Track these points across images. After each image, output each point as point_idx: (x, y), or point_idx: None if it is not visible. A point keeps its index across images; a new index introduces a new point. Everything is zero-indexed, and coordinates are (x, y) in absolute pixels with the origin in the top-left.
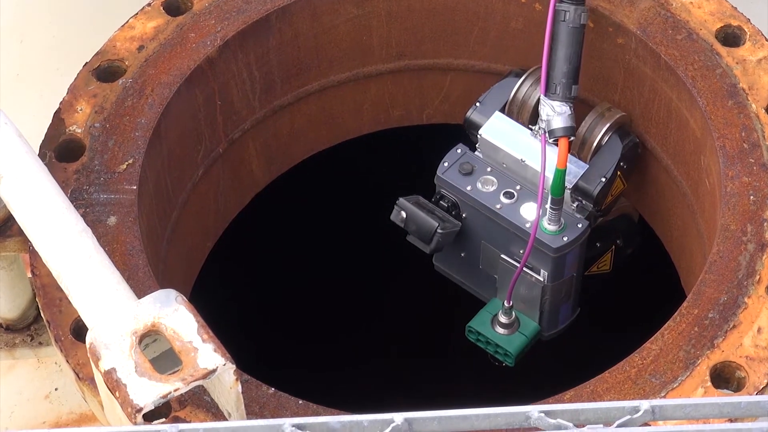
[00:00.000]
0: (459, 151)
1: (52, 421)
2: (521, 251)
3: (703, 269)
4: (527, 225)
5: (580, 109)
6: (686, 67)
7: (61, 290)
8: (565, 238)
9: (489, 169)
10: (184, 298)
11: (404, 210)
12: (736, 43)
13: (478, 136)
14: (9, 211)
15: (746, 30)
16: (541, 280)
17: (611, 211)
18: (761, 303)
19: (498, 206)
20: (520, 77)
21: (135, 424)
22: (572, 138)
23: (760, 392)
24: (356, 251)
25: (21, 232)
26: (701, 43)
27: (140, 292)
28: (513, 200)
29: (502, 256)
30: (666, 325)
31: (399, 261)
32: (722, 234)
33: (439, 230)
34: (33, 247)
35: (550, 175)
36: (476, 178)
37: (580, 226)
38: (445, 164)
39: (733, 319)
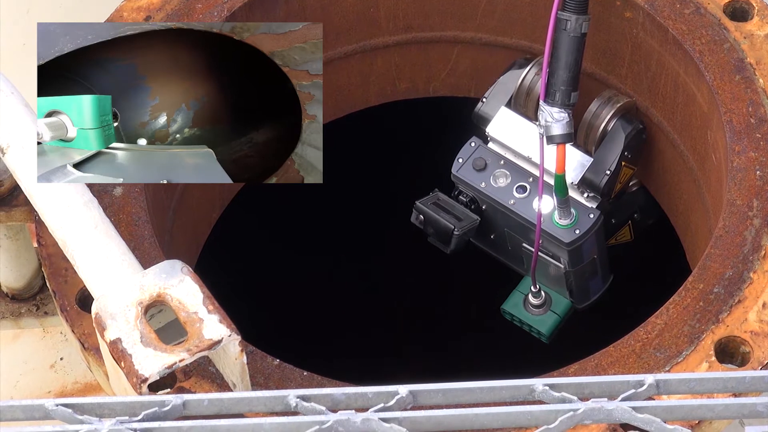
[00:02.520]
0: (473, 145)
1: (57, 390)
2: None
3: (709, 244)
4: None
5: (586, 83)
6: (694, 42)
7: (67, 260)
8: (577, 231)
9: (502, 162)
10: (190, 268)
11: (421, 213)
12: (743, 17)
13: (486, 133)
14: (15, 181)
15: (754, 4)
16: (562, 267)
17: (626, 190)
18: (766, 278)
19: (511, 202)
20: (523, 68)
21: (140, 394)
22: (570, 144)
23: (765, 367)
24: (363, 223)
25: (27, 202)
26: (709, 17)
27: (146, 262)
28: (525, 194)
29: (524, 244)
30: (671, 299)
31: (406, 232)
32: (728, 209)
33: (455, 232)
34: (39, 217)
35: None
36: (489, 173)
37: (591, 216)
38: (460, 161)
39: (738, 294)
